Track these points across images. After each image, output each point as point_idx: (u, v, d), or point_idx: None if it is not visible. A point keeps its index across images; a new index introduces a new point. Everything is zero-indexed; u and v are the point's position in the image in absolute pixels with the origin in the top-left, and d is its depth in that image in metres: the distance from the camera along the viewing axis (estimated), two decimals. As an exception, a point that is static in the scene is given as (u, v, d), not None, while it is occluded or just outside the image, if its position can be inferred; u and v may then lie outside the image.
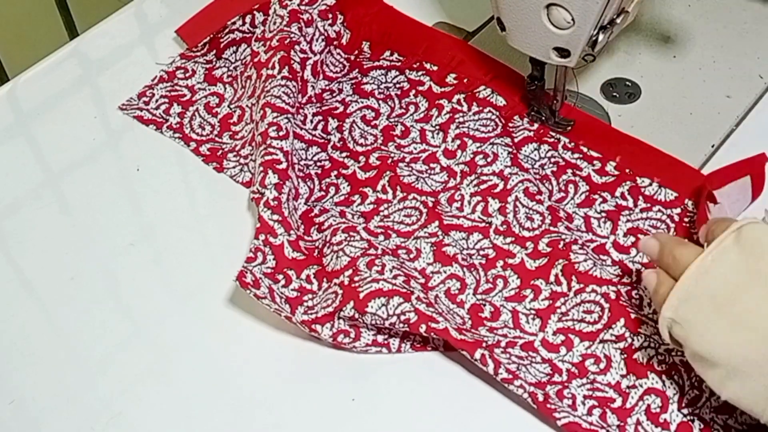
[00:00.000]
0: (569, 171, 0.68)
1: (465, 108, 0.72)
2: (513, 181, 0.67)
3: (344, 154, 0.71)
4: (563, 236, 0.64)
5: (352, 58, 0.76)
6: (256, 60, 0.73)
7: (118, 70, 0.78)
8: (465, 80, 0.73)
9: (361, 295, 0.59)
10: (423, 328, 0.58)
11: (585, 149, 0.69)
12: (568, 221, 0.66)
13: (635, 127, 0.71)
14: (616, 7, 0.63)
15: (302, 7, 0.74)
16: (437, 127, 0.71)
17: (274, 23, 0.74)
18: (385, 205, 0.67)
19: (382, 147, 0.71)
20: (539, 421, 0.57)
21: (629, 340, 0.59)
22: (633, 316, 0.60)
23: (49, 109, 0.76)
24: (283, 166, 0.66)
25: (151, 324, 0.63)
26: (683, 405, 0.57)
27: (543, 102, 0.70)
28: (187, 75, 0.76)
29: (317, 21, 0.74)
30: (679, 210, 0.66)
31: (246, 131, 0.71)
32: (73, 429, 0.58)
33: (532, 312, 0.61)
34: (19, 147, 0.74)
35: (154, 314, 0.63)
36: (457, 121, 0.71)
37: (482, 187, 0.67)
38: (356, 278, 0.60)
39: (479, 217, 0.66)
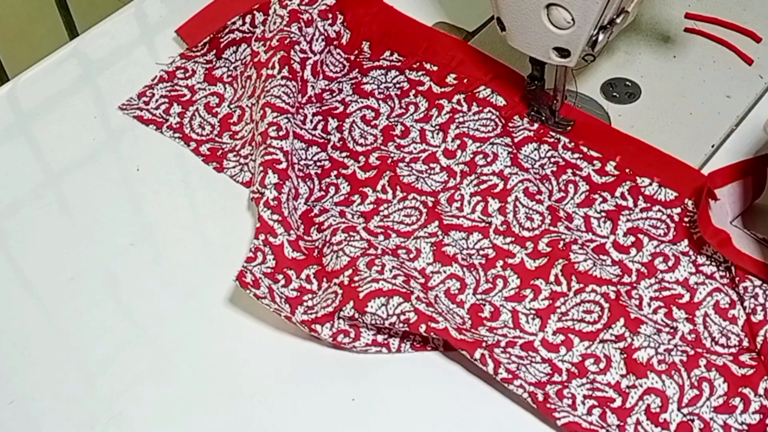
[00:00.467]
0: (569, 171, 0.68)
1: (465, 108, 0.72)
2: (513, 180, 0.67)
3: (344, 154, 0.71)
4: (563, 236, 0.64)
5: (352, 58, 0.76)
6: (256, 60, 0.73)
7: (118, 70, 0.78)
8: (465, 80, 0.73)
9: (361, 295, 0.59)
10: (423, 328, 0.58)
11: (585, 149, 0.69)
12: (568, 221, 0.66)
13: (635, 127, 0.71)
14: (616, 7, 0.63)
15: (302, 7, 0.74)
16: (437, 127, 0.71)
17: (274, 23, 0.74)
18: (385, 205, 0.67)
19: (382, 147, 0.71)
20: (539, 421, 0.57)
21: (629, 339, 0.59)
22: (633, 316, 0.60)
23: (49, 109, 0.76)
24: (283, 165, 0.66)
25: (151, 324, 0.63)
26: (683, 405, 0.57)
27: (543, 102, 0.70)
28: (187, 75, 0.76)
29: (317, 21, 0.74)
30: (679, 210, 0.66)
31: (246, 131, 0.71)
32: (73, 429, 0.58)
33: (532, 312, 0.61)
34: (19, 147, 0.74)
35: (154, 314, 0.63)
36: (456, 121, 0.71)
37: (482, 187, 0.67)
38: (356, 278, 0.60)
39: (479, 217, 0.66)
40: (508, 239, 0.65)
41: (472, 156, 0.69)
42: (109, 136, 0.74)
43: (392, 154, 0.70)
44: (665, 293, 0.62)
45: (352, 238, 0.63)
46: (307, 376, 0.60)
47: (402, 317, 0.58)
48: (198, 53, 0.77)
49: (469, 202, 0.67)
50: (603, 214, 0.66)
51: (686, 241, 0.64)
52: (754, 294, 0.61)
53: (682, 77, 0.75)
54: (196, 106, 0.74)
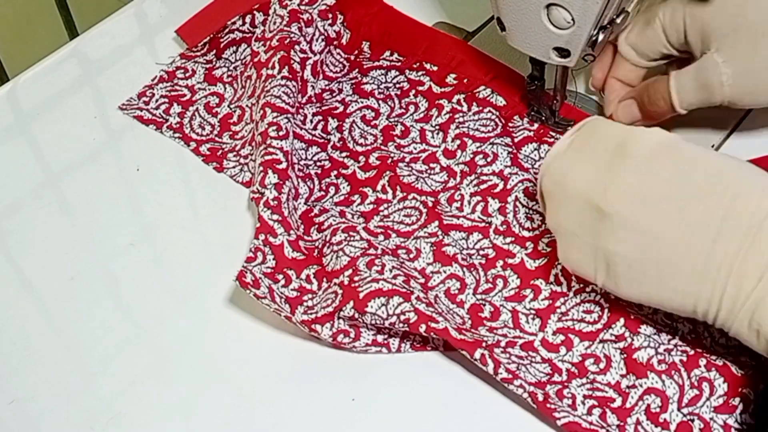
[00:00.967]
0: None
1: (465, 108, 0.72)
2: (513, 181, 0.67)
3: (344, 154, 0.71)
4: None
5: (352, 58, 0.76)
6: (256, 60, 0.73)
7: (118, 70, 0.78)
8: (465, 80, 0.73)
9: (361, 295, 0.59)
10: (423, 328, 0.58)
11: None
12: None
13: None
14: (616, 7, 0.63)
15: (302, 7, 0.74)
16: (437, 127, 0.71)
17: (274, 23, 0.74)
18: (385, 205, 0.67)
19: (382, 147, 0.71)
20: (539, 421, 0.57)
21: (629, 339, 0.59)
22: (633, 316, 0.60)
23: (49, 109, 0.76)
24: (283, 165, 0.66)
25: (151, 324, 0.63)
26: (683, 405, 0.57)
27: (543, 102, 0.70)
28: (187, 75, 0.76)
29: (317, 21, 0.74)
30: None
31: (246, 131, 0.71)
32: (73, 429, 0.58)
33: (532, 312, 0.62)
34: (19, 147, 0.74)
35: (154, 314, 0.63)
36: (456, 121, 0.71)
37: (482, 187, 0.67)
38: (356, 278, 0.60)
39: (479, 217, 0.66)
40: (508, 239, 0.65)
41: (472, 156, 0.69)
42: (109, 136, 0.74)
43: (392, 154, 0.70)
44: None
45: (352, 238, 0.63)
46: (307, 376, 0.60)
47: (402, 317, 0.58)
48: (198, 53, 0.77)
49: (469, 202, 0.67)
50: None
51: None
52: None
53: (683, 77, 0.75)
54: (196, 106, 0.74)
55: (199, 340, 0.62)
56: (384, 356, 0.60)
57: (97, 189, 0.70)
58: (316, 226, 0.66)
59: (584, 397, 0.58)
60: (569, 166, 0.57)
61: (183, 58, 0.77)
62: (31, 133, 0.75)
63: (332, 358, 0.60)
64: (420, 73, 0.74)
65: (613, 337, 0.60)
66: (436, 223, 0.66)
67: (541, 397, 0.56)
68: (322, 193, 0.69)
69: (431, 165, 0.69)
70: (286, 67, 0.71)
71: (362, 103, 0.73)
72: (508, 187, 0.67)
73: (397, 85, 0.74)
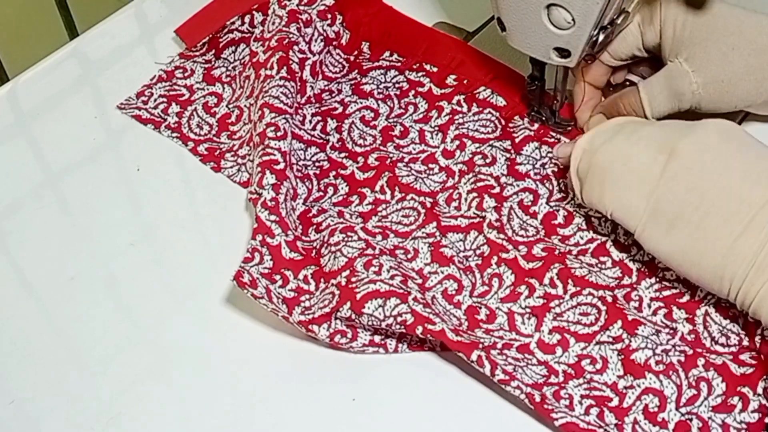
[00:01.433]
0: None
1: (465, 109, 0.72)
2: (508, 191, 0.67)
3: (343, 155, 0.71)
4: (558, 247, 0.64)
5: (352, 58, 0.76)
6: (254, 60, 0.73)
7: (118, 70, 0.78)
8: (465, 81, 0.73)
9: (358, 296, 0.59)
10: (419, 330, 0.58)
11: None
12: (563, 229, 0.66)
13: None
14: (617, 8, 0.63)
15: (301, 8, 0.74)
16: (436, 128, 0.71)
17: (273, 23, 0.74)
18: (384, 206, 0.67)
19: (381, 147, 0.71)
20: (537, 422, 0.57)
21: (626, 341, 0.59)
22: (630, 318, 0.60)
23: (49, 109, 0.76)
24: (281, 166, 0.66)
25: (150, 324, 0.63)
26: (681, 404, 0.57)
27: (543, 102, 0.70)
28: (186, 75, 0.76)
29: (316, 21, 0.74)
30: None
31: (244, 131, 0.71)
32: (73, 429, 0.58)
33: (528, 310, 0.61)
34: (19, 147, 0.74)
35: (153, 314, 0.63)
36: (456, 122, 0.71)
37: (479, 184, 0.67)
38: (353, 279, 0.60)
39: (474, 213, 0.66)
40: (502, 235, 0.65)
41: (470, 156, 0.69)
42: (109, 136, 0.74)
43: (391, 155, 0.70)
44: (666, 293, 0.62)
45: (350, 239, 0.63)
46: (307, 376, 0.60)
47: (399, 319, 0.58)
48: (197, 53, 0.77)
49: (466, 199, 0.67)
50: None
51: None
52: None
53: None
54: (195, 105, 0.74)
55: (199, 340, 0.62)
56: (384, 357, 0.60)
57: (97, 189, 0.70)
58: (314, 226, 0.66)
59: (581, 397, 0.58)
60: (628, 145, 0.60)
61: (182, 58, 0.77)
62: (31, 133, 0.75)
63: (332, 358, 0.60)
64: (420, 74, 0.74)
65: (610, 339, 0.60)
66: (434, 224, 0.66)
67: (538, 398, 0.56)
68: (321, 193, 0.69)
69: (430, 165, 0.69)
70: (285, 68, 0.71)
71: (361, 103, 0.73)
72: (504, 195, 0.67)
73: (397, 86, 0.74)
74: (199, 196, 0.70)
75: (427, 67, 0.75)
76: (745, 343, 0.59)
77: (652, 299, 0.61)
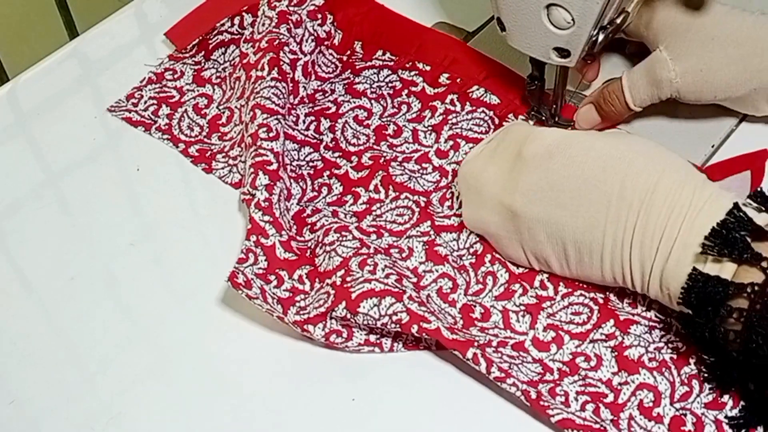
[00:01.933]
0: None
1: (458, 108, 0.72)
2: None
3: (336, 154, 0.71)
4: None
5: (345, 58, 0.76)
6: (245, 61, 0.73)
7: (118, 70, 0.78)
8: (458, 80, 0.73)
9: (353, 296, 0.59)
10: (415, 329, 0.58)
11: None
12: None
13: (634, 128, 0.71)
14: (616, 7, 0.63)
15: (291, 8, 0.74)
16: (430, 128, 0.71)
17: (263, 24, 0.74)
18: (378, 205, 0.67)
19: (375, 147, 0.71)
20: (533, 419, 0.57)
21: (619, 338, 0.59)
22: (623, 318, 0.60)
23: (49, 109, 0.76)
24: (274, 167, 0.66)
25: (150, 324, 0.63)
26: (675, 400, 0.57)
27: (543, 102, 0.70)
28: (176, 76, 0.76)
29: (306, 21, 0.74)
30: None
31: (235, 132, 0.72)
32: (73, 429, 0.58)
33: (522, 308, 0.62)
34: (19, 147, 0.74)
35: (153, 314, 0.63)
36: (450, 122, 0.71)
37: None
38: (348, 278, 0.60)
39: None
40: None
41: (464, 155, 0.69)
42: (109, 136, 0.74)
43: (385, 154, 0.70)
44: None
45: (344, 238, 0.63)
46: (307, 376, 0.60)
47: (394, 318, 0.58)
48: (186, 55, 0.77)
49: (458, 197, 0.67)
50: None
51: None
52: None
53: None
54: (185, 107, 0.74)
55: (199, 340, 0.62)
56: (384, 356, 0.60)
57: (97, 189, 0.70)
58: (309, 226, 0.66)
59: (577, 393, 0.58)
60: (481, 169, 0.62)
61: (171, 60, 0.77)
62: (31, 133, 0.75)
63: (332, 358, 0.60)
64: (413, 73, 0.74)
65: (603, 337, 0.60)
66: (429, 222, 0.66)
67: (534, 395, 0.56)
68: (315, 193, 0.69)
69: (424, 165, 0.69)
70: (276, 69, 0.71)
71: (355, 103, 0.73)
72: None
73: (390, 85, 0.74)
74: (199, 196, 0.70)
75: (420, 65, 0.75)
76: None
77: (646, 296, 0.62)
